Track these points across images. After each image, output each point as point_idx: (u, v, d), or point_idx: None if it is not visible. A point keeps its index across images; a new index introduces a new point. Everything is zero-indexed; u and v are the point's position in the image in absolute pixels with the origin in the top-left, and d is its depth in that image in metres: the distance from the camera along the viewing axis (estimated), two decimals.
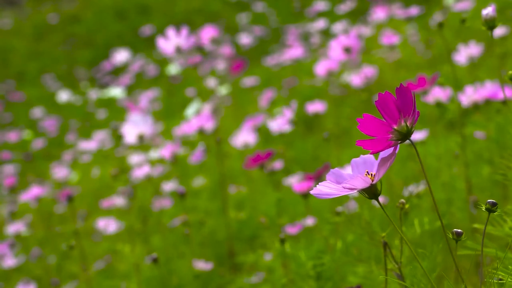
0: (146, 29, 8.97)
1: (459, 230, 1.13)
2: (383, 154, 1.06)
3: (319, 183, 1.08)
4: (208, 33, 3.24)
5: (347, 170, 1.14)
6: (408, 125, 1.05)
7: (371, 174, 1.07)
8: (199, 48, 2.71)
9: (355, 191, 1.06)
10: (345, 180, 1.06)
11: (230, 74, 5.53)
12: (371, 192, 1.08)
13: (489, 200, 1.11)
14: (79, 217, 3.74)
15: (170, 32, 2.69)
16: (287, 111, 2.97)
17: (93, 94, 8.31)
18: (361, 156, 1.11)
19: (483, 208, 1.11)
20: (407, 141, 1.07)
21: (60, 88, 9.41)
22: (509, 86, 2.05)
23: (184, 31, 2.68)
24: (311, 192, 1.07)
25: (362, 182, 1.05)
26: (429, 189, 1.09)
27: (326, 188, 1.07)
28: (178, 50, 2.65)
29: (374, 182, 1.07)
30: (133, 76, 8.24)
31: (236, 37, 8.01)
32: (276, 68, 5.97)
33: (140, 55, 9.50)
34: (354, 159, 1.12)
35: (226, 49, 5.49)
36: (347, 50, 2.99)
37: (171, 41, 2.68)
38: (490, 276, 1.13)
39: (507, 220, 1.42)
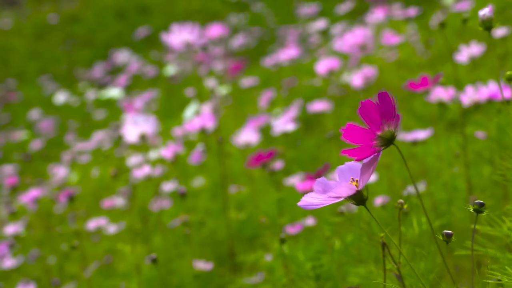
0: (142, 31, 8.98)
1: (449, 232, 1.13)
2: (365, 160, 1.07)
3: (306, 194, 1.08)
4: (215, 31, 3.23)
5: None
6: (392, 130, 1.05)
7: (356, 181, 1.08)
8: (203, 47, 2.70)
9: (342, 199, 1.06)
10: (331, 189, 1.07)
11: (229, 75, 5.53)
12: (358, 198, 1.08)
13: (476, 201, 1.12)
14: (72, 218, 3.74)
15: (177, 27, 2.68)
16: (291, 109, 2.97)
17: (92, 94, 8.31)
18: (346, 163, 1.12)
19: (471, 210, 1.11)
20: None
21: (59, 88, 9.41)
22: (509, 86, 2.05)
23: (194, 26, 2.68)
24: (299, 204, 1.07)
25: (347, 190, 1.06)
26: (417, 192, 1.09)
27: (313, 199, 1.07)
28: (188, 45, 2.64)
29: (359, 189, 1.07)
30: (132, 77, 8.23)
31: (235, 38, 8.01)
32: (275, 68, 5.97)
33: (140, 55, 9.49)
34: (339, 167, 1.12)
35: (224, 50, 5.49)
36: (363, 47, 2.99)
37: (179, 36, 2.67)
38: (483, 276, 1.13)
39: (505, 221, 1.42)
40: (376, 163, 1.06)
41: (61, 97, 8.54)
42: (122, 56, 8.29)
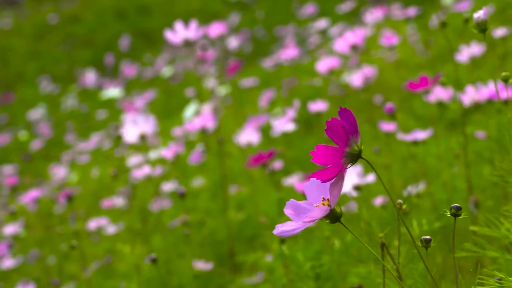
0: (125, 40, 8.99)
1: (427, 237, 1.13)
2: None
3: (280, 224, 1.08)
4: (215, 29, 3.22)
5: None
6: (358, 144, 1.05)
7: (327, 199, 1.07)
8: (203, 46, 2.70)
9: (317, 220, 1.06)
10: (304, 209, 1.06)
11: (228, 75, 5.53)
12: (332, 217, 1.08)
13: (453, 205, 1.11)
14: (72, 217, 3.74)
15: (179, 24, 2.69)
16: (290, 109, 2.97)
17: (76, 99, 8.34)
18: (312, 180, 1.10)
19: (448, 214, 1.11)
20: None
21: (58, 89, 9.41)
22: (506, 86, 2.05)
23: (193, 24, 2.68)
24: (274, 232, 1.07)
25: (321, 212, 1.06)
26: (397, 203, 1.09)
27: (288, 226, 1.07)
28: (188, 43, 2.65)
29: (332, 207, 1.07)
30: (130, 78, 8.24)
31: (235, 37, 8.01)
32: (274, 69, 5.97)
33: (139, 56, 9.49)
34: (305, 185, 1.12)
35: (224, 50, 5.48)
36: (357, 48, 2.99)
37: (180, 34, 2.67)
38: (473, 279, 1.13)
39: (504, 222, 1.42)
40: (343, 180, 1.06)
41: (69, 101, 8.54)
42: (92, 77, 8.39)
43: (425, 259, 1.15)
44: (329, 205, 1.07)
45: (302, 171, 3.24)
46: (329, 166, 1.06)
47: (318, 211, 1.06)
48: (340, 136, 1.05)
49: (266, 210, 2.99)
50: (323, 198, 1.08)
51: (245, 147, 3.12)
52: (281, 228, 1.07)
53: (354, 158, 1.07)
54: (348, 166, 1.06)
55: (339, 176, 1.06)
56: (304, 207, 1.08)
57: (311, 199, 1.10)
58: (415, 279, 1.24)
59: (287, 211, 1.08)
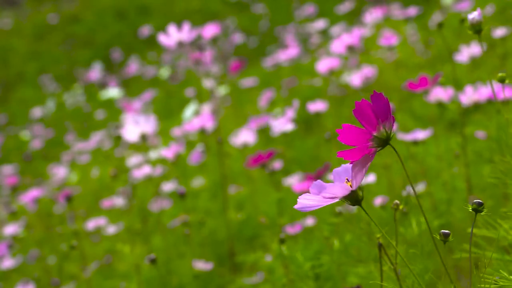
0: (145, 30, 8.98)
1: (446, 231, 1.13)
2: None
3: (301, 196, 1.07)
4: (209, 31, 3.22)
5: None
6: (387, 130, 1.04)
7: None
8: (201, 47, 2.71)
9: (337, 199, 1.06)
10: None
11: (228, 75, 5.53)
12: (353, 198, 1.08)
13: (475, 200, 1.11)
14: (71, 217, 3.74)
15: (173, 27, 2.70)
16: (290, 109, 2.97)
17: (86, 95, 8.34)
18: (342, 165, 1.11)
19: (470, 209, 1.11)
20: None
21: (59, 89, 9.41)
22: (507, 86, 2.05)
23: (186, 26, 2.69)
24: (295, 207, 1.06)
25: (342, 190, 1.05)
26: (415, 192, 1.09)
27: (308, 201, 1.07)
28: (183, 45, 2.66)
29: (354, 189, 1.06)
30: (131, 77, 8.24)
31: (235, 38, 8.01)
32: (274, 68, 5.97)
33: (139, 55, 9.49)
34: (335, 169, 1.11)
35: (223, 50, 5.48)
36: (353, 48, 2.99)
37: (172, 37, 2.68)
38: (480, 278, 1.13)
39: (502, 224, 1.42)
40: (369, 164, 1.06)
41: (69, 100, 8.55)
42: (97, 72, 8.41)
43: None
44: (351, 186, 1.06)
45: (302, 171, 3.24)
46: (356, 147, 1.04)
47: (339, 189, 1.05)
48: (368, 118, 1.04)
49: (266, 210, 2.99)
50: (347, 179, 1.08)
51: (241, 147, 3.12)
52: (301, 201, 1.06)
53: (382, 143, 1.06)
54: (376, 150, 1.06)
55: (365, 158, 1.05)
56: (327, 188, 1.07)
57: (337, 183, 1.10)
58: (412, 279, 1.24)
59: (312, 190, 1.07)
